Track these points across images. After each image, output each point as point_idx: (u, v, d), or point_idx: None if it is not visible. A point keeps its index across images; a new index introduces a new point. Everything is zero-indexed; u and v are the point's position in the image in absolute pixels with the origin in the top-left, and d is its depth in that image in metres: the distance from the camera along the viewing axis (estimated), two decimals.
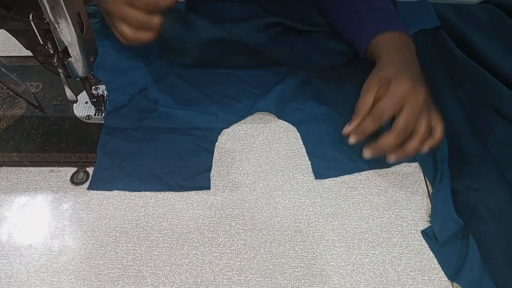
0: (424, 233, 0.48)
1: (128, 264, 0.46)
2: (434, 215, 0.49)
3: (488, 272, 0.45)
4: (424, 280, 0.46)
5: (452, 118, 0.55)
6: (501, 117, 0.57)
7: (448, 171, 0.51)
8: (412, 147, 0.47)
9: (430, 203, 0.51)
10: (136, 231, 0.48)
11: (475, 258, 0.45)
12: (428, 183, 0.53)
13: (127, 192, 0.51)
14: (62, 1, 0.39)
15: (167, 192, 0.51)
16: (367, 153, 0.49)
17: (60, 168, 0.52)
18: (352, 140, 0.49)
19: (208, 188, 0.51)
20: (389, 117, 0.47)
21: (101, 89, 0.57)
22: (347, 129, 0.49)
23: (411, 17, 0.66)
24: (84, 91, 0.53)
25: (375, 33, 0.55)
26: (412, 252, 0.47)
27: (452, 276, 0.45)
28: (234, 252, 0.47)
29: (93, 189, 0.51)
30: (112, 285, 0.44)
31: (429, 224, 0.49)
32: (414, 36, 0.63)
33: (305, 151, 0.55)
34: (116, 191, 0.51)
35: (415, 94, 0.47)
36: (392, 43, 0.54)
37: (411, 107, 0.46)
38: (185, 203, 0.50)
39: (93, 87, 0.52)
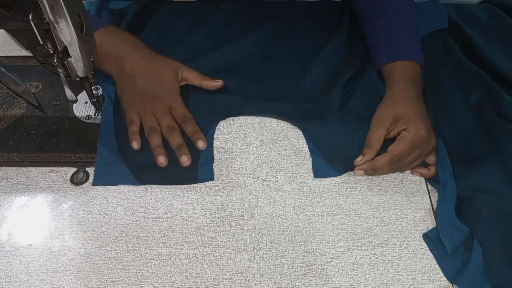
0: (426, 236, 0.48)
1: (128, 264, 0.46)
2: (441, 228, 0.48)
3: (488, 275, 0.45)
4: (424, 280, 0.46)
5: (460, 121, 0.55)
6: (504, 120, 0.57)
7: (452, 181, 0.50)
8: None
9: (430, 203, 0.51)
10: (136, 231, 0.48)
11: (478, 261, 0.45)
12: (428, 184, 0.53)
13: (127, 192, 0.51)
14: (62, 1, 0.39)
15: (167, 192, 0.51)
16: (359, 172, 0.51)
17: (60, 168, 0.52)
18: (359, 173, 0.51)
19: (212, 179, 0.52)
20: (404, 162, 0.51)
21: (101, 89, 0.57)
22: (359, 161, 0.51)
23: (423, 19, 0.66)
24: (84, 91, 0.53)
25: (391, 58, 0.57)
26: (412, 252, 0.47)
27: (452, 278, 0.45)
28: (234, 252, 0.47)
29: (98, 185, 0.51)
30: (112, 285, 0.44)
31: (429, 224, 0.49)
32: (426, 39, 0.63)
33: (305, 151, 0.55)
34: (116, 191, 0.51)
35: (427, 142, 0.51)
36: (405, 74, 0.56)
37: (420, 151, 0.51)
38: (185, 203, 0.50)
39: (93, 87, 0.51)
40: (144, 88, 0.55)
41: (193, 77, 0.57)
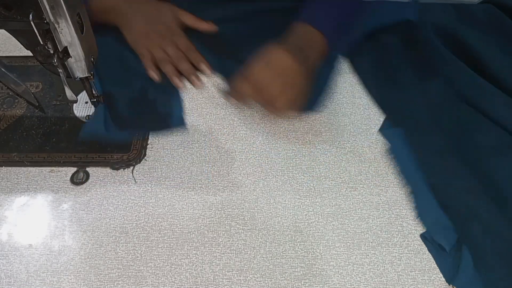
0: (423, 236, 0.48)
1: (128, 264, 0.46)
2: (433, 232, 0.48)
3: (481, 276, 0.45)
4: (424, 280, 0.46)
5: (414, 111, 0.57)
6: (477, 112, 0.58)
7: (424, 187, 0.51)
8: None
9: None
10: (136, 231, 0.48)
11: (469, 262, 0.45)
12: None
13: (127, 192, 0.51)
14: (62, 1, 0.39)
15: (167, 192, 0.51)
16: (230, 100, 0.58)
17: (60, 168, 0.52)
18: (230, 100, 0.57)
19: (185, 126, 0.57)
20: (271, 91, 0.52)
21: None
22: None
23: (391, 10, 0.67)
24: (84, 91, 0.53)
25: (302, 19, 0.59)
26: (412, 252, 0.47)
27: (450, 279, 0.45)
28: (234, 252, 0.47)
29: (84, 137, 0.54)
30: (112, 285, 0.44)
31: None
32: (385, 36, 0.65)
33: (305, 151, 0.55)
34: (116, 191, 0.51)
35: (295, 75, 0.52)
36: (295, 35, 0.57)
37: (285, 82, 0.52)
38: (185, 203, 0.50)
39: (93, 87, 0.52)
40: (148, 28, 0.61)
41: (188, 18, 0.64)
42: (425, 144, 0.54)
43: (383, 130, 0.56)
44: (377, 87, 0.61)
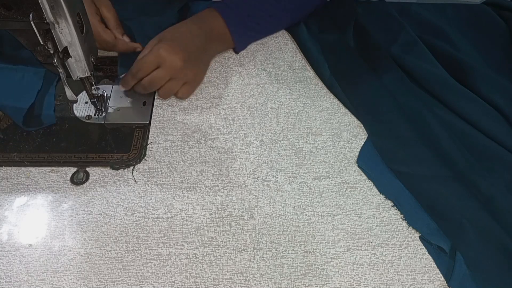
0: (422, 239, 0.48)
1: (128, 264, 0.46)
2: (429, 236, 0.48)
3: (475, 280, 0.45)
4: (424, 280, 0.46)
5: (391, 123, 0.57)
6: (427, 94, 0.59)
7: (404, 191, 0.51)
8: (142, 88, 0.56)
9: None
10: (136, 231, 0.48)
11: (463, 265, 0.45)
12: None
13: (127, 192, 0.51)
14: (62, 1, 0.39)
15: (167, 192, 0.51)
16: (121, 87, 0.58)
17: (60, 168, 0.52)
18: (121, 87, 0.58)
19: (54, 122, 0.56)
20: (144, 74, 0.54)
21: (101, 89, 0.57)
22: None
23: None
24: (84, 91, 0.53)
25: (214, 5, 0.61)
26: (412, 252, 0.47)
27: (449, 280, 0.45)
28: (234, 252, 0.47)
29: None
30: (112, 285, 0.44)
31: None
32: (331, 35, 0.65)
33: (304, 151, 0.55)
34: (116, 191, 0.51)
35: (171, 61, 0.54)
36: (200, 16, 0.60)
37: (164, 70, 0.54)
38: (185, 203, 0.50)
39: (93, 87, 0.52)
40: None
41: (109, 18, 0.60)
42: (387, 136, 0.55)
43: (359, 163, 0.54)
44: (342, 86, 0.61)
